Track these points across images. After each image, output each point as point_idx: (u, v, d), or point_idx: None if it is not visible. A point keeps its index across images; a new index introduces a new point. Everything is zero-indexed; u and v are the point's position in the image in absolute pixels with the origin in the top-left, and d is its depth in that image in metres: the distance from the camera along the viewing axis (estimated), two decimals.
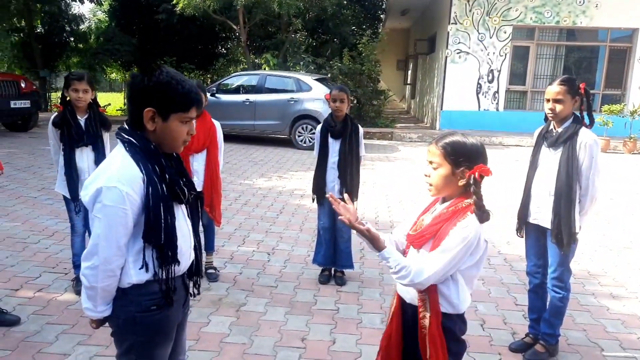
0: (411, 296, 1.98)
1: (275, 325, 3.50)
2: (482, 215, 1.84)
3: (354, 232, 2.10)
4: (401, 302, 2.05)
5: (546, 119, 3.09)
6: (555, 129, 3.02)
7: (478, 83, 14.25)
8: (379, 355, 2.16)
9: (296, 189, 7.57)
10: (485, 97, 14.31)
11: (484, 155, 1.88)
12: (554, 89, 2.92)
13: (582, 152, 2.90)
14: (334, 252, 4.30)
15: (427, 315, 1.89)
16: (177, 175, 1.81)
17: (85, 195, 1.71)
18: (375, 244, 1.89)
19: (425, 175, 1.95)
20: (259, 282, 4.22)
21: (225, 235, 5.30)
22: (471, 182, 1.84)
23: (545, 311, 3.20)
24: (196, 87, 1.78)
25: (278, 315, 3.66)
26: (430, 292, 1.89)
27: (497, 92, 14.27)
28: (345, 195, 2.17)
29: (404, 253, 2.04)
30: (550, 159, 3.02)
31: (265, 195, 7.13)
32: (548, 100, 2.95)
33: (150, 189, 1.69)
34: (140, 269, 1.73)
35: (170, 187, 1.75)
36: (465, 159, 1.84)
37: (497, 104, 14.35)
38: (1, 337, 3.19)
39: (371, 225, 1.98)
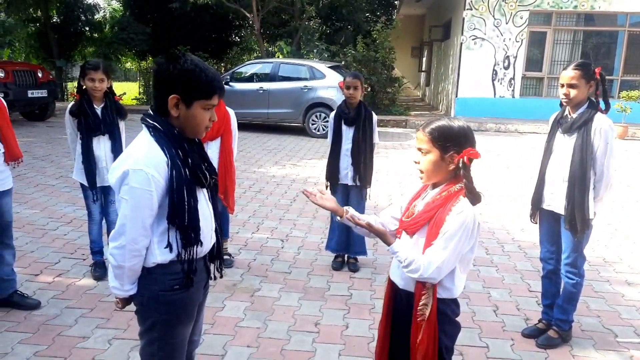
0: (405, 282, 1.99)
1: (289, 310, 3.55)
2: (474, 198, 1.84)
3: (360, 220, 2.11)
4: (393, 287, 2.07)
5: (561, 104, 3.06)
6: (570, 114, 2.99)
7: (494, 70, 14.09)
8: (378, 344, 2.18)
9: (310, 176, 7.59)
10: (501, 83, 14.16)
11: (471, 139, 1.88)
12: (568, 74, 2.89)
13: (596, 137, 2.87)
14: (347, 239, 4.32)
15: (430, 303, 1.90)
16: (199, 160, 1.87)
17: (112, 177, 1.77)
18: (383, 238, 1.92)
19: (415, 162, 1.96)
20: (273, 268, 4.27)
21: (240, 223, 5.35)
22: (460, 166, 1.84)
23: (559, 297, 3.20)
24: (219, 75, 1.83)
25: (292, 300, 3.70)
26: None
27: (513, 78, 14.11)
28: (321, 188, 2.18)
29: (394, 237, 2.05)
30: (565, 144, 3.00)
31: (279, 183, 7.17)
32: (562, 85, 2.92)
33: (174, 172, 1.75)
34: (165, 248, 1.79)
35: (192, 171, 1.81)
36: (453, 144, 1.85)
37: (513, 90, 14.18)
38: (22, 320, 3.28)
39: (371, 219, 2.05)
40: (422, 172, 1.94)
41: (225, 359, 2.95)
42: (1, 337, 3.08)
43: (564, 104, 3.00)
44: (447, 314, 1.97)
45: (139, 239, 1.75)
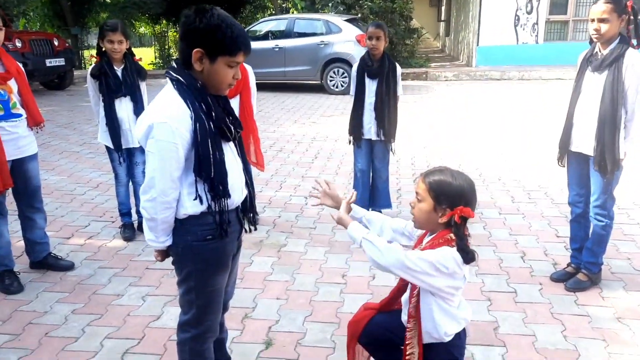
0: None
1: (316, 264, 3.59)
2: (467, 257, 1.76)
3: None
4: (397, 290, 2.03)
5: (591, 41, 2.94)
6: (600, 51, 2.88)
7: (516, 15, 13.60)
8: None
9: (330, 133, 7.54)
10: (523, 29, 13.69)
11: (467, 197, 1.79)
12: (599, 8, 2.75)
13: (628, 74, 2.76)
14: (371, 193, 4.31)
15: (415, 352, 1.84)
16: (224, 114, 1.87)
17: (137, 131, 1.80)
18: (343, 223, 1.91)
19: (410, 205, 1.91)
20: (297, 224, 4.30)
21: (263, 181, 5.38)
22: (452, 223, 1.78)
23: (588, 240, 3.16)
24: (245, 32, 1.80)
25: (318, 254, 3.74)
26: (418, 323, 1.84)
27: (537, 23, 13.61)
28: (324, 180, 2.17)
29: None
30: (595, 83, 2.89)
31: (300, 142, 7.14)
32: (593, 20, 2.79)
33: (197, 125, 1.75)
34: (194, 200, 1.82)
35: (217, 124, 1.81)
36: (447, 199, 1.78)
37: (537, 36, 13.71)
38: (58, 281, 3.39)
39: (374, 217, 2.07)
40: (414, 216, 1.89)
41: (256, 310, 3.02)
42: (40, 296, 3.20)
43: (595, 40, 2.87)
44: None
45: (169, 191, 1.77)
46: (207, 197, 1.83)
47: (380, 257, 1.77)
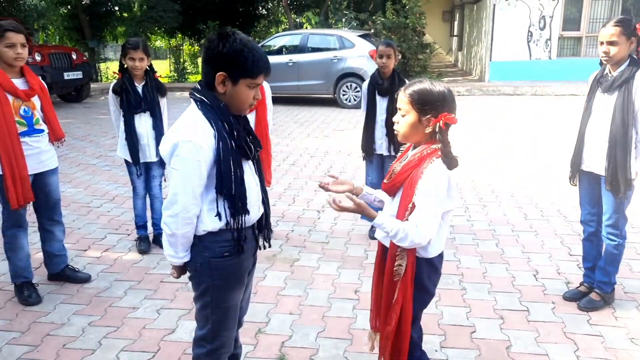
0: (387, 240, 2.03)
1: (329, 279, 3.62)
2: (450, 162, 1.87)
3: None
4: (382, 249, 2.13)
5: (601, 63, 2.97)
6: (610, 73, 2.91)
7: (529, 31, 13.64)
8: (372, 302, 2.26)
9: (343, 147, 7.60)
10: (536, 45, 13.71)
11: (450, 103, 1.90)
12: (608, 31, 2.79)
13: (638, 96, 2.79)
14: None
15: (404, 263, 1.95)
16: (244, 133, 1.94)
17: (162, 149, 1.87)
18: (367, 212, 1.95)
19: (394, 122, 1.99)
20: (310, 239, 4.34)
21: (276, 195, 5.43)
22: (437, 130, 1.87)
23: (601, 259, 3.16)
24: (266, 56, 1.89)
25: (331, 269, 3.77)
26: None
27: (550, 39, 13.63)
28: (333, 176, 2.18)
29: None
30: (605, 104, 2.92)
31: (313, 155, 7.20)
32: (602, 43, 2.83)
33: (220, 143, 1.83)
34: (215, 216, 1.88)
35: (238, 143, 1.88)
36: (431, 107, 1.88)
37: (550, 52, 13.72)
38: (76, 293, 3.45)
39: (355, 198, 2.01)
40: (398, 132, 1.98)
41: (270, 325, 3.05)
42: (58, 308, 3.26)
43: (604, 62, 2.91)
44: (417, 275, 1.99)
45: (190, 207, 1.83)
46: (226, 214, 1.89)
47: (418, 236, 1.85)
